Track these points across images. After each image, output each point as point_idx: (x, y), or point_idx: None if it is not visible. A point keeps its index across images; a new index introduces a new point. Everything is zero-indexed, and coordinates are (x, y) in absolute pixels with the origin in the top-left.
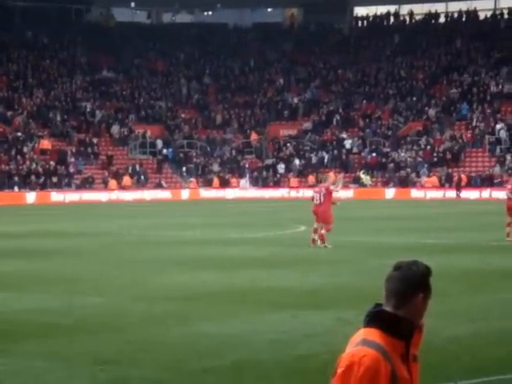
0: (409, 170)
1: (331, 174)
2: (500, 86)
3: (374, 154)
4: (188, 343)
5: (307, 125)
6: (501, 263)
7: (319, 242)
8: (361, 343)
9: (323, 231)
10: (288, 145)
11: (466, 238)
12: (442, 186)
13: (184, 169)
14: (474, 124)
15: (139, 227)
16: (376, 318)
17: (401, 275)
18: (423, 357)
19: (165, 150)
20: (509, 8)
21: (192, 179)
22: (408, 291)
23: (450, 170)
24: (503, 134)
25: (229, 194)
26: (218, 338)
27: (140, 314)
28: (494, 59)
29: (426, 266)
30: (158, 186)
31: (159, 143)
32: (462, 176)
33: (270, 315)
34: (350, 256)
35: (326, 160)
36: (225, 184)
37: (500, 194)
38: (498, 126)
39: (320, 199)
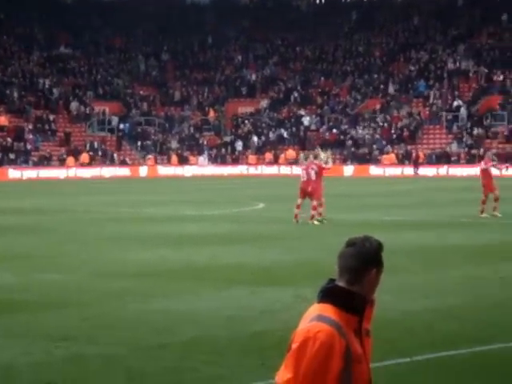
0: (366, 149)
1: (319, 152)
2: (457, 63)
3: (332, 131)
4: (145, 320)
5: (265, 102)
6: (457, 239)
7: (318, 219)
8: (316, 319)
9: (319, 208)
10: (246, 122)
11: (423, 215)
12: (400, 163)
13: (142, 146)
14: (431, 101)
15: (97, 204)
16: (330, 294)
17: (354, 251)
18: (380, 332)
19: (123, 127)
20: None
21: (150, 156)
22: (361, 267)
23: (408, 147)
24: (461, 111)
25: (187, 171)
26: (175, 315)
27: (98, 291)
28: (451, 36)
29: (378, 241)
30: (121, 162)
31: (117, 120)
32: (420, 153)
33: (228, 292)
34: (309, 233)
35: (284, 137)
36: (183, 161)
37: (457, 171)
38: (455, 103)
39: (309, 176)
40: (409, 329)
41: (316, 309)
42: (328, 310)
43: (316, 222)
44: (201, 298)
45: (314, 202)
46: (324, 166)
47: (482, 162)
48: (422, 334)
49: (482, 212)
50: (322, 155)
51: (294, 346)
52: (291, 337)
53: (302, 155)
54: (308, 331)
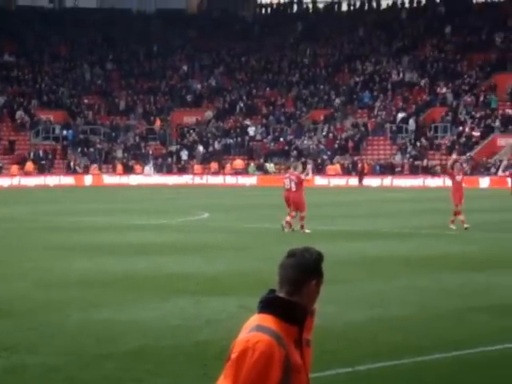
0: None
1: (299, 164)
2: (401, 75)
3: (277, 142)
4: (88, 329)
5: (211, 112)
6: (401, 250)
7: (285, 227)
8: (255, 329)
9: (289, 218)
10: (192, 131)
11: (368, 225)
12: (345, 173)
13: (87, 155)
14: (375, 112)
15: (41, 213)
16: (270, 304)
17: (294, 262)
18: (323, 342)
19: (68, 136)
20: None
21: (95, 165)
22: (301, 278)
23: (355, 158)
24: (405, 122)
25: (132, 180)
26: (118, 325)
27: (40, 300)
28: (396, 48)
29: (319, 252)
30: (66, 171)
31: (62, 129)
32: (365, 164)
33: (172, 301)
34: (254, 243)
35: (229, 147)
36: (128, 170)
37: (401, 182)
38: (400, 115)
39: (291, 186)
40: (352, 339)
41: (256, 319)
42: (268, 321)
43: (307, 231)
44: (145, 308)
45: (301, 213)
46: (303, 177)
47: (455, 174)
48: (365, 344)
49: (452, 222)
50: (300, 166)
51: (234, 355)
52: (231, 346)
53: (293, 164)
54: (247, 341)
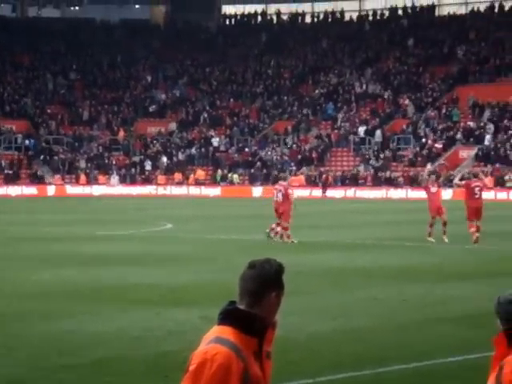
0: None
1: (288, 175)
2: (364, 87)
3: (241, 153)
4: (50, 340)
5: (175, 122)
6: (364, 261)
7: (279, 238)
8: (214, 341)
9: (279, 228)
10: (155, 142)
11: (331, 236)
12: (308, 184)
13: (50, 165)
14: (339, 124)
15: (3, 223)
16: (230, 316)
17: (254, 274)
18: (285, 353)
19: (31, 146)
20: (373, 10)
21: (58, 175)
22: (261, 290)
23: (321, 169)
24: (368, 134)
25: (96, 190)
26: (80, 336)
27: (1, 312)
28: (359, 60)
29: (279, 264)
30: (28, 181)
31: (25, 139)
32: (329, 175)
33: (135, 312)
34: (217, 254)
35: (193, 158)
36: (92, 181)
37: (364, 194)
38: (362, 127)
39: (278, 197)
40: (315, 350)
41: (215, 331)
42: (227, 332)
43: (286, 240)
44: (107, 319)
45: (284, 223)
46: (289, 192)
47: (429, 185)
48: (327, 355)
49: (429, 235)
50: (289, 178)
51: (192, 367)
52: (189, 358)
53: (283, 175)
54: (205, 353)
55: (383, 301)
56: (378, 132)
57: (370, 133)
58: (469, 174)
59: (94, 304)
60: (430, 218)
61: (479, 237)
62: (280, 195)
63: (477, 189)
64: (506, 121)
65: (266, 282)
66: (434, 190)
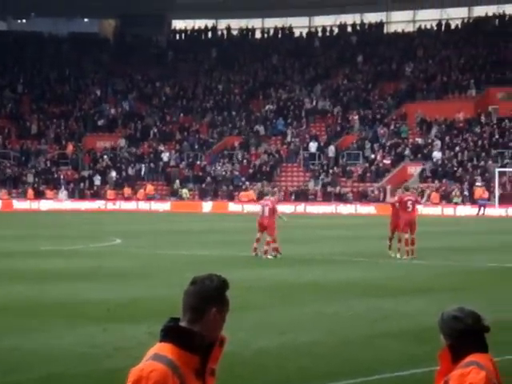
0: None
1: (275, 190)
2: (314, 103)
3: (191, 167)
4: None
5: (124, 137)
6: (313, 276)
7: (272, 254)
8: (152, 358)
9: (272, 244)
10: (104, 157)
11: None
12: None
13: None
14: (289, 139)
15: None
16: (170, 333)
17: (195, 290)
18: (233, 369)
19: None
20: (323, 26)
21: (4, 190)
22: (201, 305)
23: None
24: (318, 150)
25: (43, 205)
26: (25, 352)
27: None
28: (309, 76)
29: (222, 279)
30: None
31: None
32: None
33: (82, 328)
34: (166, 269)
35: (142, 172)
36: (40, 195)
37: (314, 209)
38: (313, 143)
39: (265, 211)
40: (262, 365)
41: (155, 348)
42: (166, 349)
43: (270, 257)
44: (53, 335)
45: (268, 238)
46: (276, 207)
47: (396, 199)
48: (274, 370)
49: (389, 248)
50: (276, 193)
51: None
52: (128, 375)
53: (266, 189)
54: (142, 370)
55: (331, 315)
56: (332, 147)
57: (320, 148)
58: (402, 189)
59: (39, 320)
60: (389, 233)
61: (414, 249)
62: (267, 210)
63: (409, 202)
64: (452, 137)
65: (206, 297)
66: (398, 205)
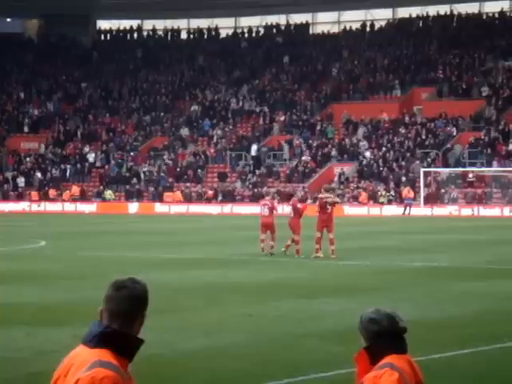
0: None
1: (270, 190)
2: (241, 104)
3: (117, 168)
4: None
5: (49, 138)
6: (239, 277)
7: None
8: (98, 364)
9: (271, 241)
10: (29, 158)
11: (207, 253)
12: (186, 200)
13: None
14: (215, 140)
15: None
16: (108, 339)
17: (127, 295)
18: (160, 371)
19: None
20: (249, 27)
21: None
22: (135, 310)
23: (196, 185)
24: (245, 150)
25: None
26: None
27: None
28: (235, 77)
29: (144, 283)
30: None
31: None
32: (208, 191)
33: (4, 333)
34: (91, 271)
35: (68, 174)
36: None
37: (241, 209)
38: (240, 143)
39: (265, 211)
40: (188, 367)
41: (92, 354)
42: (107, 356)
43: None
44: None
45: (295, 236)
46: (276, 206)
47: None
48: (201, 372)
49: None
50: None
51: None
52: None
53: (265, 190)
54: (92, 378)
55: (257, 317)
56: (258, 148)
57: (246, 149)
58: (322, 189)
59: None
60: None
61: (334, 250)
62: (267, 210)
63: (327, 203)
64: (378, 138)
65: (138, 302)
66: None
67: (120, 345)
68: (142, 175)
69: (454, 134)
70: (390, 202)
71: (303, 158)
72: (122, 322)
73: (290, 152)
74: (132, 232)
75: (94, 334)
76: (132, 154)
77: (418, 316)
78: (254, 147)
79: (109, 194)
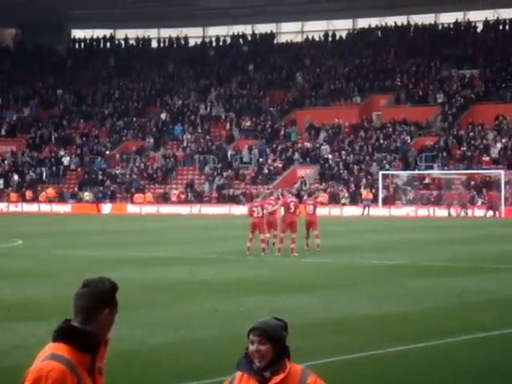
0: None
1: (261, 193)
2: (208, 109)
3: (91, 171)
4: None
5: (25, 142)
6: (206, 275)
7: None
8: (49, 357)
9: (264, 237)
10: (5, 161)
11: (176, 252)
12: (157, 202)
13: None
14: (185, 144)
15: None
16: (64, 333)
17: (88, 292)
18: (130, 365)
19: None
20: (216, 36)
21: None
22: (95, 307)
23: (166, 187)
24: (213, 154)
25: None
26: None
27: None
28: (203, 84)
29: (113, 282)
30: None
31: None
32: (179, 193)
33: None
34: (65, 269)
35: (44, 176)
36: None
37: (209, 210)
38: (208, 147)
39: (259, 212)
40: (157, 362)
41: (50, 348)
42: (61, 349)
43: (318, 249)
44: None
45: (316, 232)
46: (269, 209)
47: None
48: (169, 366)
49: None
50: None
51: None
52: (24, 375)
53: (262, 192)
54: (40, 369)
55: (223, 312)
56: (225, 152)
57: (215, 152)
58: (286, 191)
59: None
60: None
61: (294, 248)
62: (260, 210)
63: (292, 204)
64: (339, 142)
65: (99, 299)
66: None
67: (77, 340)
68: (115, 177)
69: (411, 138)
70: (350, 203)
71: (268, 161)
72: (82, 318)
73: (255, 155)
74: (104, 232)
75: (54, 330)
76: (105, 157)
77: (376, 311)
78: (222, 151)
79: (86, 195)
